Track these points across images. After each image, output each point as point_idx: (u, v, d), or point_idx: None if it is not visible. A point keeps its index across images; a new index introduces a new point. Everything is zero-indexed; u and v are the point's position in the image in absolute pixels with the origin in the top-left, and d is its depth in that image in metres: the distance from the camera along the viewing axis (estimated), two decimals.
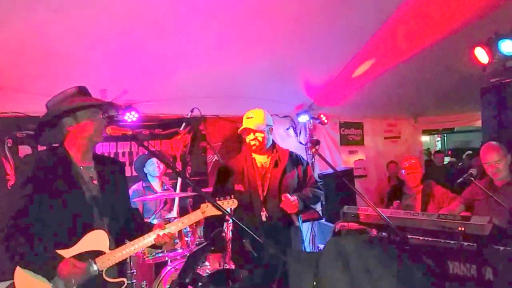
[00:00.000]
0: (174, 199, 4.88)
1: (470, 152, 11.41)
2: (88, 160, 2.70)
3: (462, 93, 7.20)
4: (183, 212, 4.55)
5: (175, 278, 3.13)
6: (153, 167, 5.16)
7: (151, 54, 4.75)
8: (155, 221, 3.90)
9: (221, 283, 3.98)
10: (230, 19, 4.53)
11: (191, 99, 5.24)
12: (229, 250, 4.80)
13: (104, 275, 2.53)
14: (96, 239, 2.55)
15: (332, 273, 1.07)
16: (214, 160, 6.47)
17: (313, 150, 3.69)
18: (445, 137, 16.40)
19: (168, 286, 3.86)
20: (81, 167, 2.64)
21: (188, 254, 3.86)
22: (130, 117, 5.20)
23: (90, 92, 2.80)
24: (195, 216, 2.78)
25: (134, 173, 5.41)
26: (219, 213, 2.77)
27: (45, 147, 2.83)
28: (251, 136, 3.88)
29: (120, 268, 2.69)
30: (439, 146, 16.37)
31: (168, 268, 4.46)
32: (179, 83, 5.30)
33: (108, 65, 4.63)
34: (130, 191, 5.09)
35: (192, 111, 4.55)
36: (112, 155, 5.51)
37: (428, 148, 14.02)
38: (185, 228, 4.49)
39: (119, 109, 4.95)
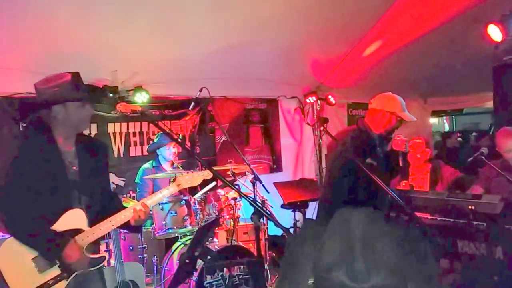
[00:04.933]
0: None
1: (475, 134, 11.38)
2: (70, 145, 2.72)
3: (472, 73, 7.10)
4: (191, 189, 4.59)
5: (184, 252, 3.18)
6: (170, 152, 5.22)
7: (160, 36, 4.74)
8: None
9: (230, 258, 4.04)
10: None
11: (200, 80, 5.22)
12: (237, 227, 4.89)
13: (85, 252, 2.60)
14: (74, 217, 2.61)
15: (331, 241, 1.08)
16: (222, 140, 6.50)
17: (322, 128, 3.66)
18: (454, 119, 16.27)
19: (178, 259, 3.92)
20: (63, 151, 2.67)
21: (197, 228, 3.92)
22: (141, 97, 5.22)
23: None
24: (172, 188, 2.84)
25: (145, 153, 5.51)
26: (193, 184, 2.86)
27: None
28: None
29: (96, 245, 2.75)
30: (447, 128, 16.24)
31: (178, 243, 4.55)
32: (188, 65, 5.29)
33: (118, 46, 4.63)
34: (141, 170, 5.21)
35: (200, 90, 4.55)
36: (123, 135, 5.57)
37: (439, 131, 13.93)
38: (194, 206, 4.57)
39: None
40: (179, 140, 5.00)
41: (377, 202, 3.45)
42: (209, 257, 2.57)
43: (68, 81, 2.63)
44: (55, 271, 2.54)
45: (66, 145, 2.69)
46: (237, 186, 4.42)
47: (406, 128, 8.71)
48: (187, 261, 2.71)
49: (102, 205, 2.78)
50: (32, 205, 2.52)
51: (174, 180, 2.86)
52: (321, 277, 1.07)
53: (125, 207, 2.80)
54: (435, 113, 10.86)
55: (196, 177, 2.87)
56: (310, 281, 1.11)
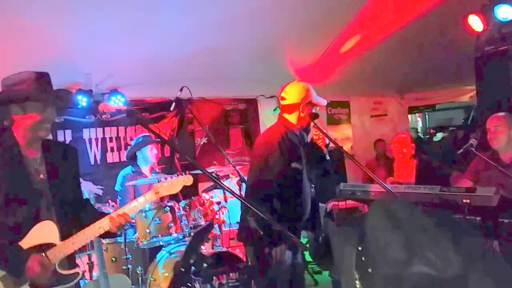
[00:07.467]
0: None
1: (453, 128, 11.50)
2: (35, 150, 2.48)
3: (448, 68, 7.15)
4: (174, 196, 4.42)
5: (179, 260, 3.03)
6: (152, 153, 5.00)
7: (136, 36, 4.63)
8: None
9: (226, 264, 3.91)
10: None
11: (177, 81, 5.09)
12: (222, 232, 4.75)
13: (57, 268, 2.38)
14: (44, 231, 2.38)
15: (382, 234, 1.01)
16: (202, 143, 6.36)
17: (312, 124, 3.53)
18: (427, 116, 16.46)
19: (172, 267, 3.73)
20: (27, 158, 2.45)
21: (193, 234, 3.77)
22: (116, 101, 5.05)
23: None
24: (149, 196, 2.62)
25: (123, 159, 5.29)
26: (173, 192, 2.67)
27: None
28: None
29: (71, 259, 2.53)
30: (420, 125, 16.44)
31: (163, 252, 4.37)
32: (164, 65, 5.18)
33: (92, 47, 4.47)
34: (120, 176, 4.96)
35: (181, 90, 4.40)
36: (99, 141, 5.35)
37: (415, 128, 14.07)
38: (179, 212, 4.39)
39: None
40: (166, 140, 4.79)
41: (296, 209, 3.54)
42: (205, 264, 2.44)
43: (30, 79, 2.39)
44: None
45: (30, 151, 2.45)
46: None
47: (385, 125, 8.87)
48: (182, 269, 2.57)
49: (75, 214, 2.58)
50: None
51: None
52: (395, 274, 1.00)
53: (101, 213, 2.64)
54: (410, 110, 10.93)
55: (175, 183, 2.68)
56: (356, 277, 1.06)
